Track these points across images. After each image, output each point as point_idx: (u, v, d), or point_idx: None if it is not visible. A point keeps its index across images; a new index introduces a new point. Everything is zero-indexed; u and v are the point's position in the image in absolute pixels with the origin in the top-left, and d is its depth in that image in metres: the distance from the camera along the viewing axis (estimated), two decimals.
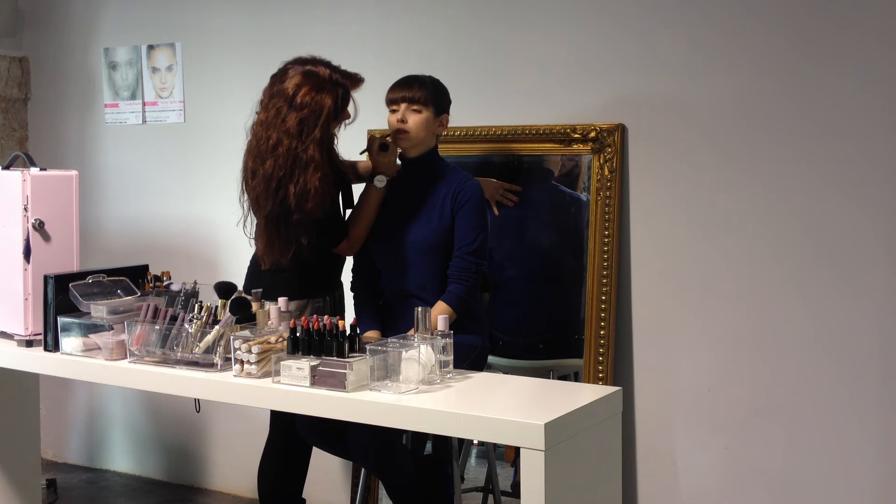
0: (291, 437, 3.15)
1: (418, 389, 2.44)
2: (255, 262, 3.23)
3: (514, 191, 3.49)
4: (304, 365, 2.48)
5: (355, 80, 3.05)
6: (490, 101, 3.59)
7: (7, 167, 3.17)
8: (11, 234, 3.03)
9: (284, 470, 3.25)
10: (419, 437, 3.24)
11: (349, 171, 3.24)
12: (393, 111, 3.04)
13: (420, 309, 2.59)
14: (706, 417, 3.29)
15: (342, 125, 3.11)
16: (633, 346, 3.37)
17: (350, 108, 3.05)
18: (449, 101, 3.12)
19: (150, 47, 4.42)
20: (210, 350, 2.65)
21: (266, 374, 2.57)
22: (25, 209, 3.01)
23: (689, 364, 3.30)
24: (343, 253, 3.19)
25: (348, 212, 3.23)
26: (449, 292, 2.97)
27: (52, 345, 2.92)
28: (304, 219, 2.94)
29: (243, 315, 2.68)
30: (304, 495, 3.33)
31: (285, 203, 2.91)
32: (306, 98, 2.93)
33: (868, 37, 3.00)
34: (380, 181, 3.09)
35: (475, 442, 3.46)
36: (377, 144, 3.10)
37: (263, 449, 3.30)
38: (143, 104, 4.48)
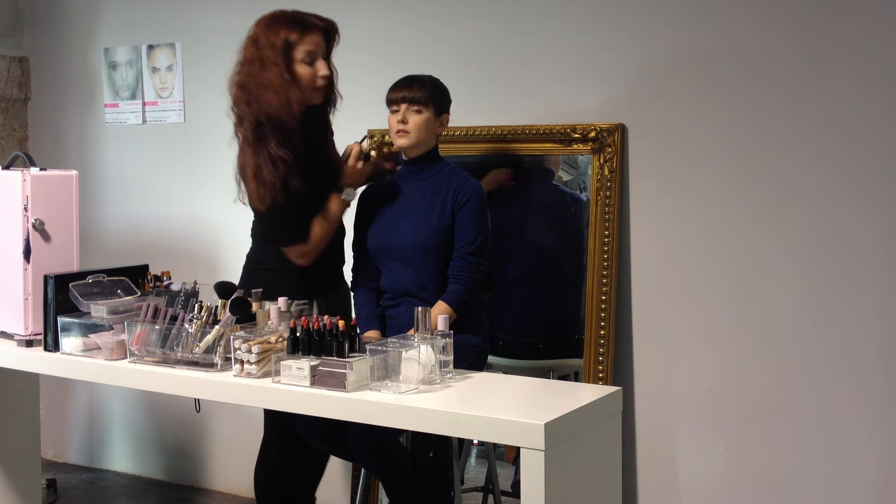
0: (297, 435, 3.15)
1: (418, 389, 2.44)
2: (250, 259, 3.23)
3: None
4: (304, 365, 2.48)
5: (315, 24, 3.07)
6: (490, 101, 3.59)
7: (7, 167, 3.17)
8: (11, 234, 3.03)
9: (283, 466, 3.25)
10: (420, 439, 3.24)
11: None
12: (393, 111, 3.04)
13: (420, 309, 2.59)
14: (706, 417, 3.29)
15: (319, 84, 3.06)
16: (633, 346, 3.37)
17: (310, 45, 3.03)
18: (449, 101, 3.12)
19: (150, 47, 4.42)
20: (210, 350, 2.65)
21: (266, 374, 2.57)
22: (25, 209, 3.01)
23: (689, 364, 3.30)
24: (297, 259, 3.07)
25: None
26: (449, 292, 2.97)
27: (52, 345, 2.92)
28: (272, 122, 2.95)
29: (243, 315, 2.68)
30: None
31: (259, 114, 2.96)
32: (260, 28, 3.08)
33: (870, 34, 3.00)
34: (348, 195, 3.09)
35: (475, 442, 3.46)
36: (356, 150, 3.09)
37: (260, 449, 3.30)
38: (143, 104, 4.48)
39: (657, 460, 3.36)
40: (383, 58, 3.66)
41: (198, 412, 3.16)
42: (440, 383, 2.51)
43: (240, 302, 2.66)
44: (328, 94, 3.14)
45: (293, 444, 3.20)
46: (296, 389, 2.48)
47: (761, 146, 3.17)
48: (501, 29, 3.59)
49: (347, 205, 3.12)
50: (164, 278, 3.02)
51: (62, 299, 2.90)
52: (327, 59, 3.13)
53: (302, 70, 3.02)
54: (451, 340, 2.57)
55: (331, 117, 3.22)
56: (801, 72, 3.10)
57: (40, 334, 2.97)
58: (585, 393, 2.59)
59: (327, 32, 3.12)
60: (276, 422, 3.22)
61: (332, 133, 3.23)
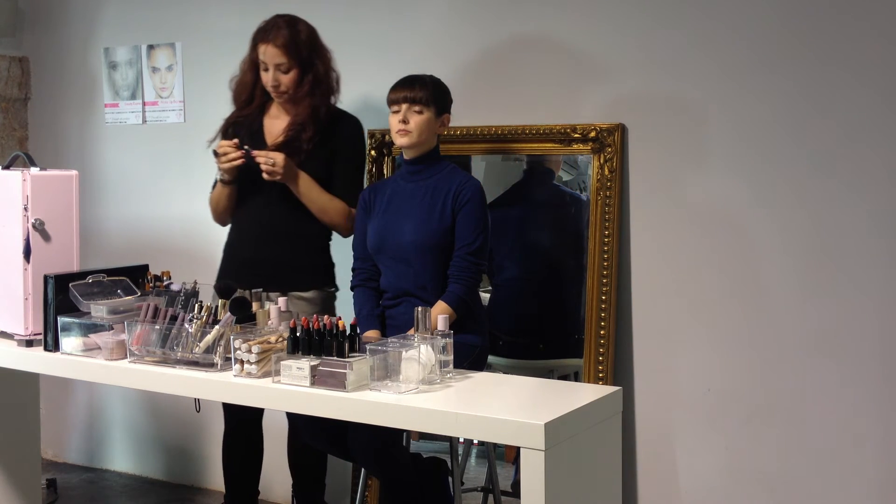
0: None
1: (418, 389, 2.44)
2: (230, 245, 3.50)
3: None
4: (304, 365, 2.48)
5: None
6: (490, 101, 3.58)
7: (7, 167, 3.17)
8: (11, 234, 3.03)
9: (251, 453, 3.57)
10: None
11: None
12: (394, 111, 3.04)
13: (420, 309, 2.59)
14: (706, 417, 3.29)
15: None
16: (633, 346, 3.37)
17: (261, 55, 3.34)
18: (450, 101, 3.12)
19: (150, 47, 4.42)
20: (210, 350, 2.65)
21: (266, 374, 2.57)
22: (25, 209, 3.01)
23: (689, 364, 3.30)
24: None
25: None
26: (449, 292, 2.97)
27: (52, 345, 2.92)
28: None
29: (243, 315, 2.69)
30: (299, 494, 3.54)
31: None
32: None
33: (871, 33, 3.00)
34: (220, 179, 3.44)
35: (475, 442, 3.46)
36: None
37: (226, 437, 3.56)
38: (143, 104, 4.47)
39: (657, 460, 3.36)
40: (383, 58, 3.66)
41: (198, 412, 3.17)
42: (440, 383, 2.51)
43: (240, 302, 2.66)
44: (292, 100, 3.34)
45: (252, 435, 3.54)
46: (296, 389, 2.48)
47: (761, 146, 3.17)
48: (502, 29, 3.58)
49: (221, 179, 3.44)
50: (164, 278, 3.02)
51: (62, 299, 2.90)
52: (296, 69, 3.28)
53: (262, 75, 3.36)
54: (451, 340, 2.57)
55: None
56: (802, 71, 3.10)
57: (40, 334, 2.97)
58: (585, 393, 2.59)
59: (287, 45, 3.27)
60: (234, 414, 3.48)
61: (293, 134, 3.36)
